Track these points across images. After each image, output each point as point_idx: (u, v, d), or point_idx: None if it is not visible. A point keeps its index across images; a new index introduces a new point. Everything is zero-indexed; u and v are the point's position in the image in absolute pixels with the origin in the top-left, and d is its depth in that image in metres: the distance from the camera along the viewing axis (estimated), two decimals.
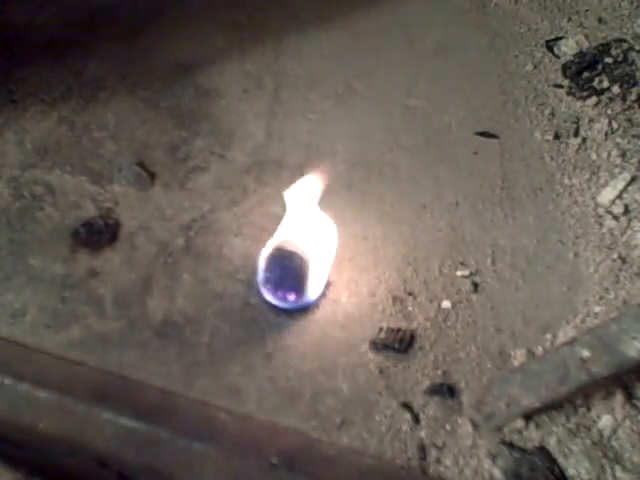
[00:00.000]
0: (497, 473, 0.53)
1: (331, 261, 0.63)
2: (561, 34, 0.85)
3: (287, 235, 0.61)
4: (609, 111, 0.77)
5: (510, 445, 0.54)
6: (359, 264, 0.65)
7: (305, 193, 0.62)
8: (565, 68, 0.82)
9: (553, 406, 0.55)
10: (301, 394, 0.58)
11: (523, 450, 0.54)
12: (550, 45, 0.84)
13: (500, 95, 0.80)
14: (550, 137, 0.75)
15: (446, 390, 0.57)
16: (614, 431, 0.55)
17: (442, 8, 0.89)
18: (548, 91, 0.80)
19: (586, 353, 0.53)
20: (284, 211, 0.62)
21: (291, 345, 0.60)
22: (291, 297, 0.62)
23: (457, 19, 0.88)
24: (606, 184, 0.70)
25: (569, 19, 0.87)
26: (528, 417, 0.55)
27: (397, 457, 0.54)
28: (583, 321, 0.61)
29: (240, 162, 0.73)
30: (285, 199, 0.62)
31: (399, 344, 0.60)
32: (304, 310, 0.62)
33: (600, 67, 0.80)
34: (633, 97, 0.77)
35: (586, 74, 0.80)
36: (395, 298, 0.63)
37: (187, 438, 0.53)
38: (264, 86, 0.81)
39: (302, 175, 0.71)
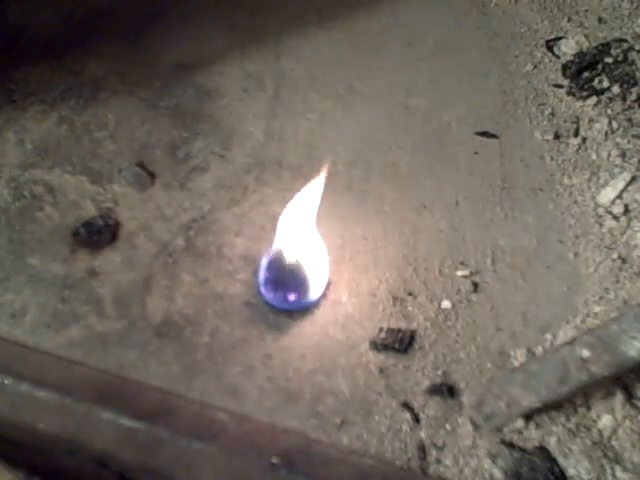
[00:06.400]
0: (497, 473, 0.53)
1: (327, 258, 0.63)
2: (561, 34, 0.85)
3: (287, 236, 0.61)
4: (609, 111, 0.77)
5: (510, 445, 0.54)
6: (359, 264, 0.65)
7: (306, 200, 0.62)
8: (565, 68, 0.82)
9: (553, 406, 0.55)
10: (301, 394, 0.58)
11: (523, 450, 0.54)
12: (550, 45, 0.84)
13: (500, 95, 0.80)
14: (550, 137, 0.75)
15: (446, 390, 0.57)
16: (614, 431, 0.55)
17: (442, 8, 0.89)
18: (548, 91, 0.80)
19: (586, 353, 0.53)
20: (284, 211, 0.62)
21: (291, 345, 0.60)
22: (291, 297, 0.62)
23: (457, 19, 0.88)
24: (606, 184, 0.70)
25: (569, 19, 0.87)
26: (528, 417, 0.55)
27: (397, 457, 0.54)
28: (583, 321, 0.61)
29: (240, 162, 0.73)
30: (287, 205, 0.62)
31: (399, 344, 0.60)
32: (304, 310, 0.62)
33: (600, 67, 0.80)
34: (633, 97, 0.77)
35: (586, 74, 0.80)
36: (395, 298, 0.63)
37: (187, 438, 0.53)
38: (264, 86, 0.81)
39: (302, 175, 0.72)
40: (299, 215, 0.61)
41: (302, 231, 0.61)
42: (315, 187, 0.62)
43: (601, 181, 0.71)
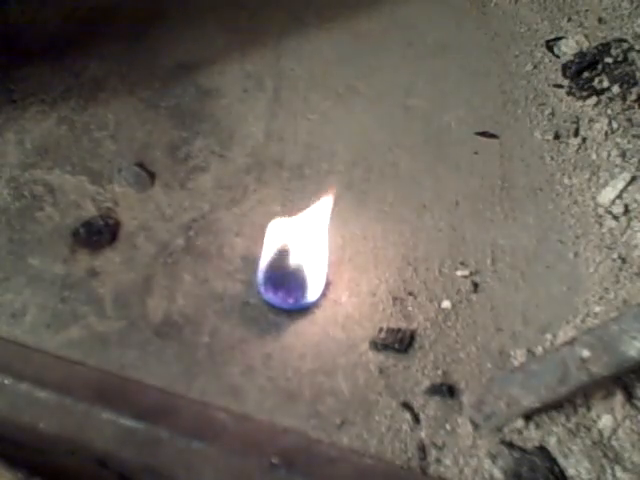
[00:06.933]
0: (497, 473, 0.53)
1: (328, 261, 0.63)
2: (561, 34, 0.85)
3: (286, 236, 0.62)
4: (609, 111, 0.77)
5: (510, 445, 0.54)
6: (359, 264, 0.65)
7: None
8: (565, 68, 0.82)
9: (553, 406, 0.55)
10: (301, 394, 0.58)
11: (523, 450, 0.54)
12: (550, 45, 0.84)
13: (500, 95, 0.80)
14: (550, 137, 0.75)
15: (446, 390, 0.57)
16: (614, 431, 0.55)
17: (442, 8, 0.89)
18: (548, 91, 0.80)
19: (586, 353, 0.53)
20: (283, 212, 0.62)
21: (291, 345, 0.60)
22: (291, 297, 0.62)
23: (457, 19, 0.88)
24: (606, 184, 0.70)
25: (569, 19, 0.87)
26: (528, 417, 0.55)
27: (397, 457, 0.54)
28: (583, 321, 0.61)
29: (240, 162, 0.73)
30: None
31: (399, 344, 0.60)
32: (304, 310, 0.62)
33: (600, 67, 0.80)
34: (633, 97, 0.77)
35: (586, 74, 0.80)
36: (395, 298, 0.63)
37: (187, 438, 0.53)
38: (264, 86, 0.81)
39: (302, 175, 0.72)
40: (305, 221, 0.61)
41: (304, 232, 0.61)
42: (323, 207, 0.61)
43: (601, 181, 0.71)
